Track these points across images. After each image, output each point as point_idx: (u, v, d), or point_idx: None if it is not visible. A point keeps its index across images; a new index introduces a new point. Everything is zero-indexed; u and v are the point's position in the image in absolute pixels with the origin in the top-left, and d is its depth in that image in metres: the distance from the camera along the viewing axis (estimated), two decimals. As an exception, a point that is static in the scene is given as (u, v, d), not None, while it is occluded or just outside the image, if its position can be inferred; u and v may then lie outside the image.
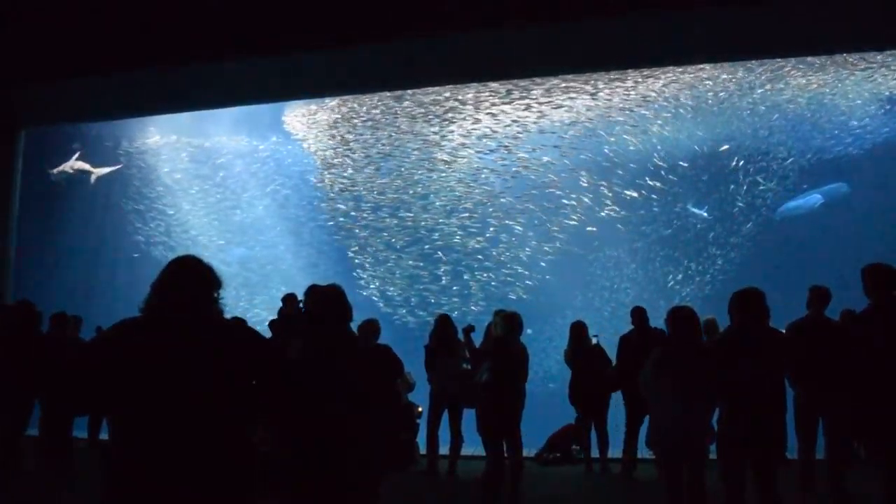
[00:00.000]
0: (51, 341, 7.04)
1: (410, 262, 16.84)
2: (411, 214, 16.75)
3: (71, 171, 16.24)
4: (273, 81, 9.66)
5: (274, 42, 8.10)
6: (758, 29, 7.77)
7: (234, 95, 11.10)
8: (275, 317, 8.33)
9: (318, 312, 3.47)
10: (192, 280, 2.55)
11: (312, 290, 3.63)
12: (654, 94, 15.42)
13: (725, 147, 15.82)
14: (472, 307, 16.20)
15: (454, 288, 16.64)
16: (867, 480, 6.04)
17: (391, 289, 16.82)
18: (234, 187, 18.37)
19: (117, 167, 16.99)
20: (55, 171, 15.95)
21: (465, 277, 16.64)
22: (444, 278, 16.70)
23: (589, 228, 16.16)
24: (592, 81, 14.96)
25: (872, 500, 5.44)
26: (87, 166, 16.46)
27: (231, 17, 8.04)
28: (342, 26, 7.85)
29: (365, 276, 17.02)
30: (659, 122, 15.81)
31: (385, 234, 16.98)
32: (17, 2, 8.74)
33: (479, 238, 16.57)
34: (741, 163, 15.91)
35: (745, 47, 8.87)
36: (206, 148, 18.33)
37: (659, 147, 16.07)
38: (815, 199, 15.57)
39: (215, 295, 2.59)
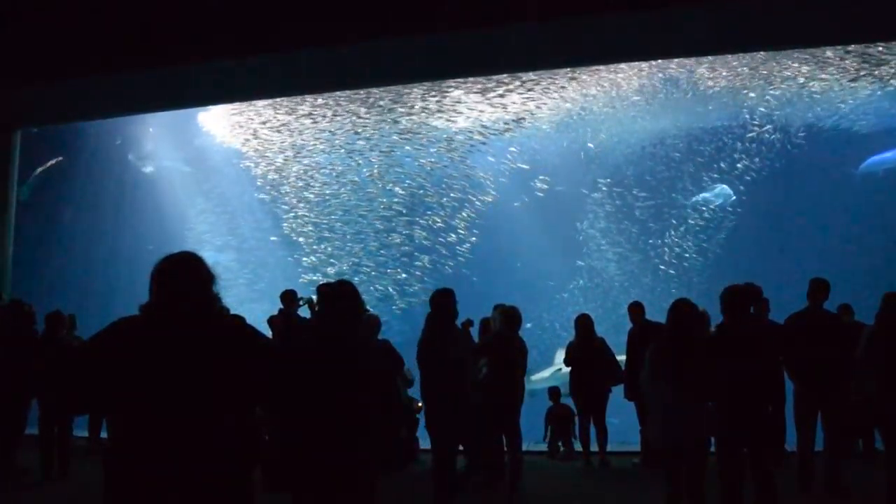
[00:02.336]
0: (46, 340, 7.03)
1: (361, 260, 17.19)
2: (359, 210, 17.12)
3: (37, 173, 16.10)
4: (269, 79, 9.62)
5: (272, 39, 8.07)
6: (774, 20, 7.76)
7: (231, 93, 11.08)
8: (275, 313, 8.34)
9: (328, 311, 3.51)
10: (188, 275, 2.51)
11: (322, 289, 3.67)
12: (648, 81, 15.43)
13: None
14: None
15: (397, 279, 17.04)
16: (866, 474, 6.08)
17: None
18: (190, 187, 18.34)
19: (58, 160, 16.69)
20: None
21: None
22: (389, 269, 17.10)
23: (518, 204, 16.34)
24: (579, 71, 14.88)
25: (870, 494, 5.46)
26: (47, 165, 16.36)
27: (229, 14, 8.00)
28: (335, 23, 7.83)
29: (308, 271, 17.20)
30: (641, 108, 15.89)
31: (327, 227, 17.30)
32: (11, 1, 8.70)
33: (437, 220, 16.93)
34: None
35: (756, 39, 8.88)
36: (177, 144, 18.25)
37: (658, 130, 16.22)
38: None
39: (213, 290, 2.55)
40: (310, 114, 16.11)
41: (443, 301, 5.38)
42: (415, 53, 8.63)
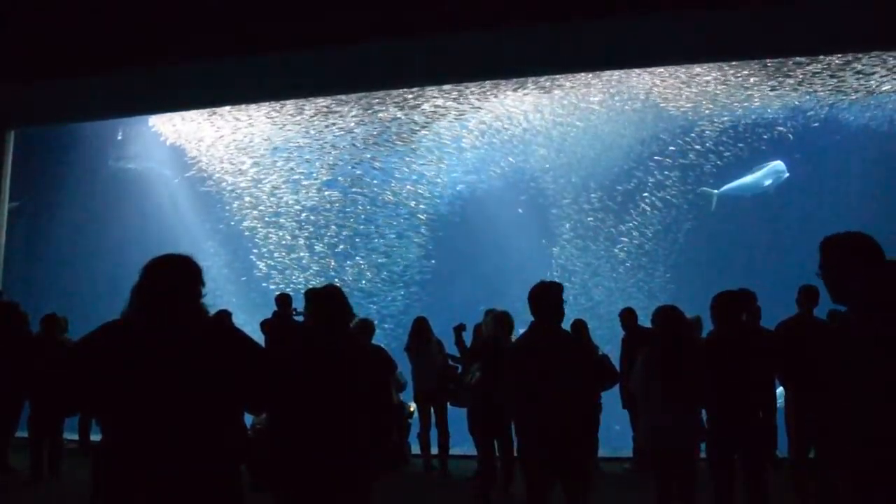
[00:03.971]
0: (39, 343, 7.00)
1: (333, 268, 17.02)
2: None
3: None
4: (267, 81, 9.61)
5: (271, 41, 8.07)
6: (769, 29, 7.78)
7: (230, 95, 11.07)
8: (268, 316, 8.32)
9: (317, 314, 3.52)
10: (175, 277, 2.51)
11: (309, 293, 3.69)
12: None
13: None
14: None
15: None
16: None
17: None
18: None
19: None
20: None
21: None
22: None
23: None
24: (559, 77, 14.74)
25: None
26: None
27: (228, 15, 7.99)
28: (332, 25, 7.84)
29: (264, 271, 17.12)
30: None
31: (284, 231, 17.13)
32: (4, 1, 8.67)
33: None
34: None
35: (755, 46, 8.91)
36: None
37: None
38: None
39: (199, 291, 2.56)
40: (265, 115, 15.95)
41: (542, 296, 4.32)
42: (415, 55, 8.63)
